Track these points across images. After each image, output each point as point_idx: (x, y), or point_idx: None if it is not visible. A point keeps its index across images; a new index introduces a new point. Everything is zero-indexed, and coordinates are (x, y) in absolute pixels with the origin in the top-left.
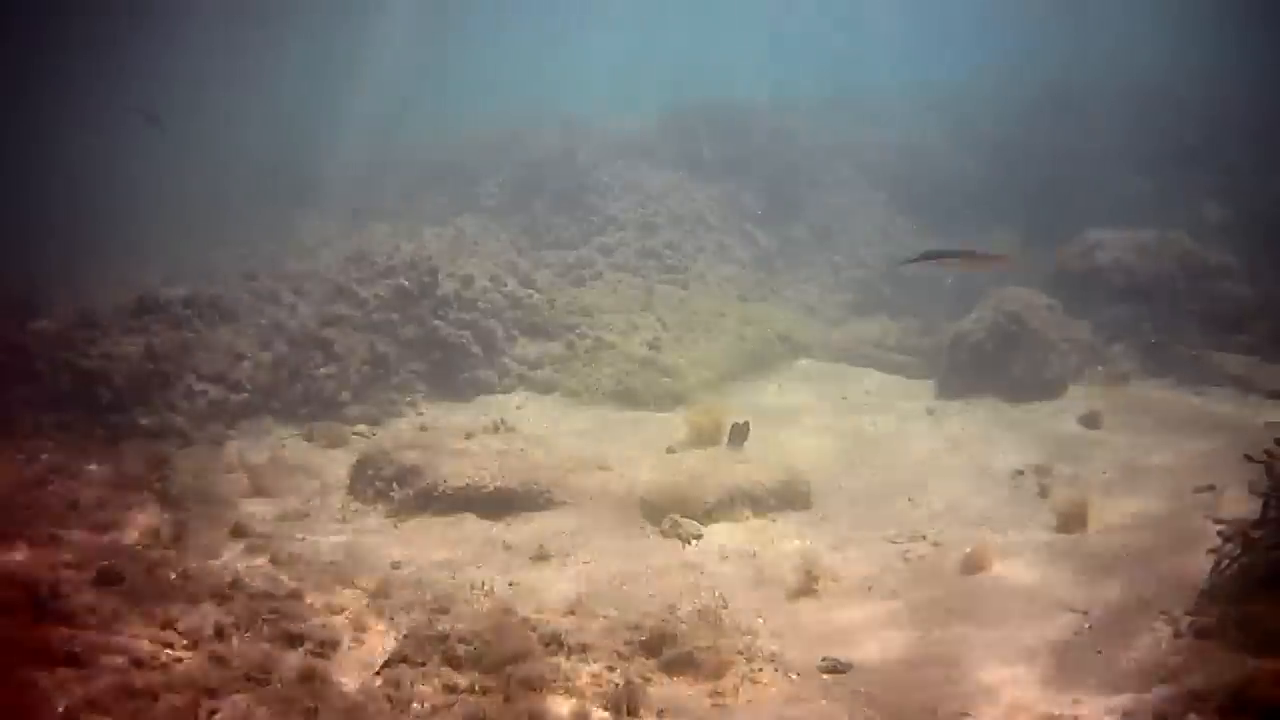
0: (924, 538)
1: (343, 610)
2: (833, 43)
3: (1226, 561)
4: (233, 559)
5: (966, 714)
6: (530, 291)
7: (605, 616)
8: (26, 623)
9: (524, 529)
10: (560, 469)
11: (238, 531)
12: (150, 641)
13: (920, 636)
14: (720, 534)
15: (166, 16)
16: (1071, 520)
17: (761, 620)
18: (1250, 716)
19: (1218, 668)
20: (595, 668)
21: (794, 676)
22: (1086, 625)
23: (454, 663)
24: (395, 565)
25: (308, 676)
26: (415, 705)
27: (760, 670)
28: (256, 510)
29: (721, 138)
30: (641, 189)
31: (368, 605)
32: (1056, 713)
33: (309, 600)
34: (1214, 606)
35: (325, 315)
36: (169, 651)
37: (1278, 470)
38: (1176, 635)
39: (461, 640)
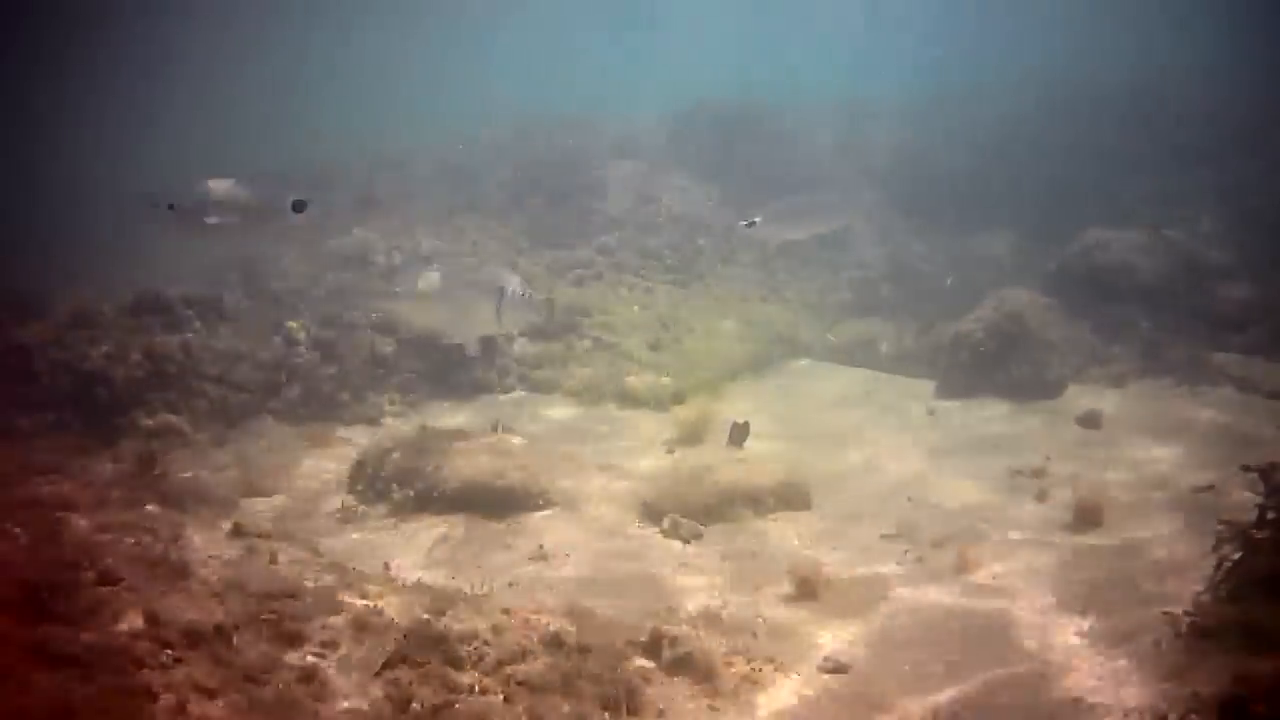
0: (923, 538)
1: (342, 610)
2: (835, 44)
3: (1226, 562)
4: (232, 559)
5: None
6: (530, 291)
7: (605, 617)
8: (26, 622)
9: (524, 529)
10: (560, 469)
11: (237, 531)
12: (150, 641)
13: (921, 636)
14: (720, 534)
15: (167, 13)
16: (1069, 518)
17: (762, 620)
18: (1250, 718)
19: (1218, 668)
20: (596, 668)
21: (794, 676)
22: (1086, 625)
23: (454, 663)
24: (395, 565)
25: (308, 677)
26: (415, 705)
27: (760, 670)
28: (256, 510)
29: (723, 138)
30: (642, 189)
31: (368, 605)
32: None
33: (309, 600)
34: (1214, 606)
35: (325, 315)
36: (169, 652)
37: (1275, 476)
38: (1177, 635)
39: (461, 640)
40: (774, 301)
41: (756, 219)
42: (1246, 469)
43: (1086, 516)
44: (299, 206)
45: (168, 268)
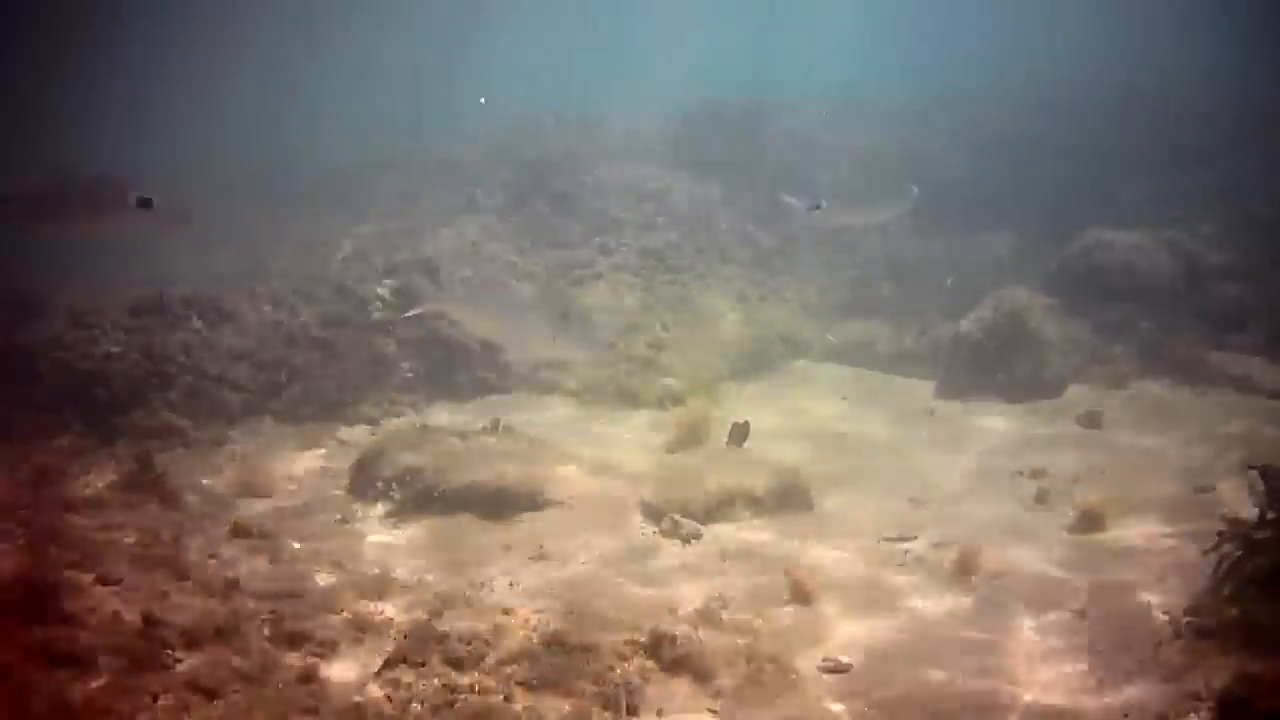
0: (924, 539)
1: (342, 610)
2: (837, 44)
3: (1227, 562)
4: (232, 559)
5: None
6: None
7: (605, 617)
8: (26, 622)
9: (524, 529)
10: (560, 469)
11: (237, 531)
12: (150, 641)
13: (918, 636)
14: (720, 534)
15: (174, 12)
16: (1070, 519)
17: (761, 620)
18: (1249, 718)
19: (1217, 668)
20: (596, 667)
21: (794, 676)
22: (1085, 625)
23: (454, 663)
24: (395, 565)
25: (307, 677)
26: (415, 705)
27: (760, 670)
28: (256, 511)
29: (723, 138)
30: (643, 189)
31: (367, 605)
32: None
33: (308, 600)
34: (1214, 606)
35: (325, 315)
36: (169, 652)
37: (1276, 476)
38: (1177, 635)
39: (461, 640)
40: (774, 301)
41: (822, 203)
42: (1248, 469)
43: (1087, 516)
44: (144, 202)
45: (168, 268)
